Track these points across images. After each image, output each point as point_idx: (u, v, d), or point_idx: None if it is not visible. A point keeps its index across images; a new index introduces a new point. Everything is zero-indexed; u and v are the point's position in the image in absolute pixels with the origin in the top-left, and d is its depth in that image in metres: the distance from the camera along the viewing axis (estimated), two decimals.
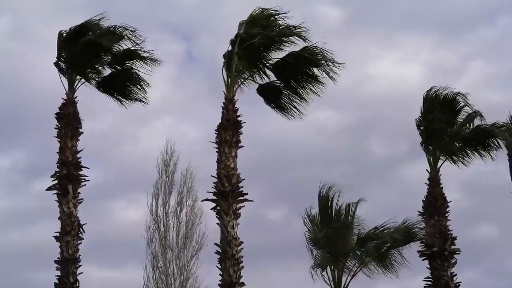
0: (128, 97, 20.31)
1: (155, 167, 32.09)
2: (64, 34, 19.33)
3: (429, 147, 19.96)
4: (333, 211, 19.42)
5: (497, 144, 20.19)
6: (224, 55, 18.81)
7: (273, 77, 19.44)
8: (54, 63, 19.44)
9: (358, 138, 41.62)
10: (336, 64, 18.25)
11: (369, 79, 42.17)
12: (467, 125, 20.21)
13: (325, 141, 41.34)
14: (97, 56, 19.64)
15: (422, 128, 20.02)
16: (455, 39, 47.21)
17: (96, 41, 19.10)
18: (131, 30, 19.29)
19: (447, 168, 20.17)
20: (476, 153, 20.33)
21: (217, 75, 18.88)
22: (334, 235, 18.65)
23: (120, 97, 20.38)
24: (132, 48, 19.57)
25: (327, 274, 18.58)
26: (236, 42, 18.61)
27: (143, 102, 20.29)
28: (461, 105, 20.10)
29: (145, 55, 19.53)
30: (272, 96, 19.63)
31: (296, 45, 18.74)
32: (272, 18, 18.93)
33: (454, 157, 20.32)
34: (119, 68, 20.03)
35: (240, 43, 18.51)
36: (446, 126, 19.92)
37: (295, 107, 19.54)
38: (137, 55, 19.65)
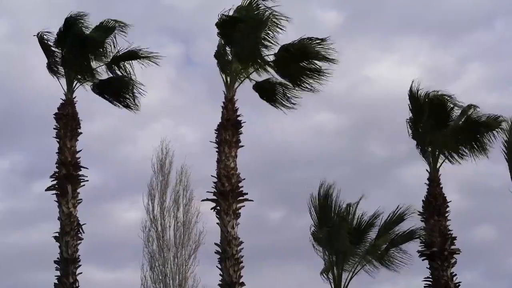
0: (120, 102, 20.22)
1: (150, 167, 32.12)
2: (46, 36, 19.19)
3: (428, 147, 19.88)
4: (332, 211, 19.18)
5: (490, 139, 19.93)
6: (214, 55, 18.75)
7: (271, 72, 19.28)
8: (46, 65, 19.46)
9: (357, 139, 41.72)
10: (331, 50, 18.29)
11: (367, 81, 42.23)
12: (461, 120, 19.98)
13: (324, 142, 41.42)
14: (91, 52, 19.44)
15: (415, 128, 19.90)
16: (452, 42, 47.32)
17: (87, 35, 18.98)
18: (121, 24, 19.17)
19: (446, 169, 20.14)
20: (471, 148, 20.11)
21: (215, 78, 18.88)
22: (332, 234, 18.47)
23: (113, 101, 20.32)
24: (129, 49, 19.47)
25: (329, 274, 18.50)
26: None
27: (135, 109, 20.23)
28: (450, 106, 19.91)
29: (143, 53, 19.43)
30: (268, 92, 19.49)
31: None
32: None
33: (451, 155, 20.21)
34: (115, 69, 19.92)
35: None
36: (437, 128, 19.77)
37: (291, 100, 19.39)
38: (135, 54, 19.53)
